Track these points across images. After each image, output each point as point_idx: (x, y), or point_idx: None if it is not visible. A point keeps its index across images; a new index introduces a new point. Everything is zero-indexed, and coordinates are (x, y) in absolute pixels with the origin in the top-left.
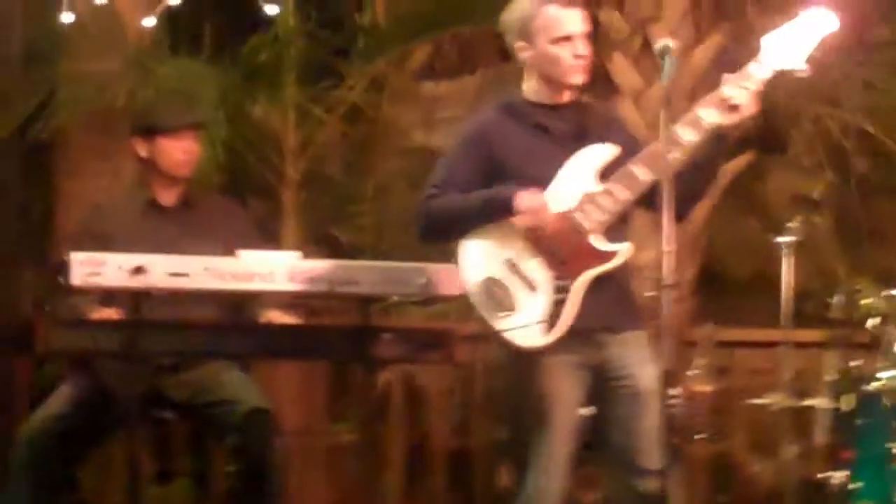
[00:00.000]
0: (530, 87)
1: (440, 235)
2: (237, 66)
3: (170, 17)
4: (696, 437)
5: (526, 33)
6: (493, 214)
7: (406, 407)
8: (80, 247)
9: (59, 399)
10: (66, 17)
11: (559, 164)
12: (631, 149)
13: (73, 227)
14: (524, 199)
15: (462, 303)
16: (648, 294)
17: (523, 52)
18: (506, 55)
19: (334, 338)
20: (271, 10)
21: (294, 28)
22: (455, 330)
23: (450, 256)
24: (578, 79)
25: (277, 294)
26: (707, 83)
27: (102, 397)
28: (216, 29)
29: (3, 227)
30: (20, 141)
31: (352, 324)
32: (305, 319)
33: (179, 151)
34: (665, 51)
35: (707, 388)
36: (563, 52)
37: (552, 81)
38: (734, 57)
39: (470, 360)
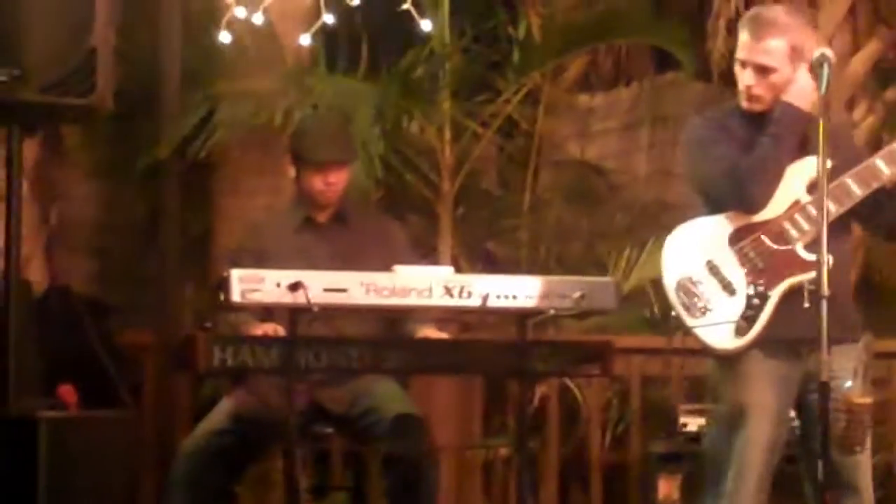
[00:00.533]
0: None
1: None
2: (393, 83)
3: (326, 34)
4: (856, 449)
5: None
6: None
7: (562, 420)
8: (238, 264)
9: (220, 415)
10: (225, 37)
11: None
12: (851, 160)
13: (232, 245)
14: None
15: (617, 316)
16: (806, 306)
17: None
18: (661, 67)
19: (490, 352)
20: (426, 25)
21: (449, 43)
22: (611, 343)
23: (605, 270)
24: (747, 105)
25: (433, 309)
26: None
27: (262, 413)
28: (372, 46)
29: (163, 245)
30: (180, 160)
31: (508, 338)
32: (461, 334)
33: (320, 183)
34: (822, 60)
35: (866, 399)
36: (739, 74)
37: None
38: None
39: (627, 373)
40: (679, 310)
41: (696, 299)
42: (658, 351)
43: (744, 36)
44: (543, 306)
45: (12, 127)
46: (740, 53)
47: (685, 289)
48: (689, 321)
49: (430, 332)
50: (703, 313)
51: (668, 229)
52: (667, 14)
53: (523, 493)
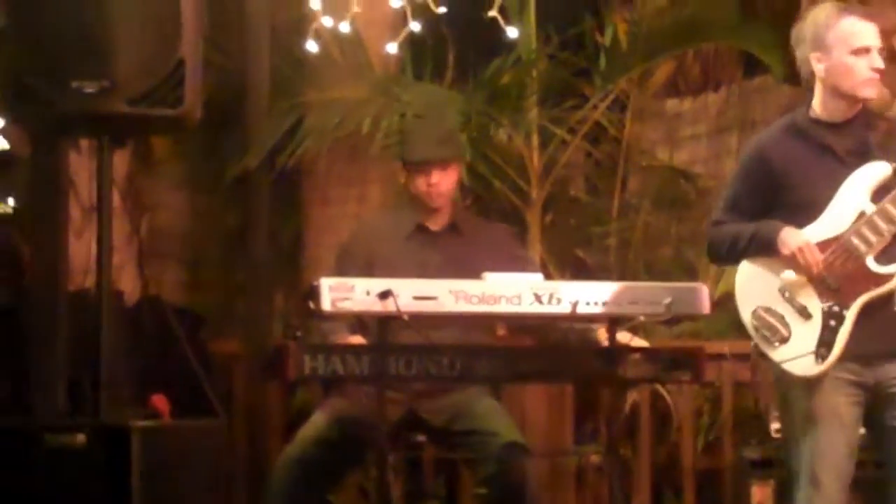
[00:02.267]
0: (818, 103)
1: (723, 262)
2: (480, 90)
3: (413, 42)
4: None
5: (821, 44)
6: (760, 251)
7: (654, 427)
8: (343, 266)
9: (317, 424)
10: (312, 46)
11: (841, 184)
12: None
13: (339, 248)
14: (786, 240)
15: (709, 321)
16: None
17: (818, 63)
18: (749, 71)
19: (581, 359)
20: (513, 32)
21: (536, 50)
22: (703, 348)
23: (695, 275)
24: (870, 92)
25: (524, 316)
26: None
27: (358, 421)
28: (459, 53)
29: (254, 254)
30: (269, 170)
31: (599, 345)
32: (552, 341)
33: (424, 184)
34: None
35: None
36: (860, 64)
37: (843, 95)
38: None
39: (718, 379)
40: (759, 342)
41: (773, 329)
42: (750, 356)
43: (851, 20)
44: (633, 312)
45: (102, 139)
46: (869, 39)
47: (762, 319)
48: (770, 354)
49: (522, 339)
50: (783, 342)
51: None
52: (755, 17)
53: (615, 501)
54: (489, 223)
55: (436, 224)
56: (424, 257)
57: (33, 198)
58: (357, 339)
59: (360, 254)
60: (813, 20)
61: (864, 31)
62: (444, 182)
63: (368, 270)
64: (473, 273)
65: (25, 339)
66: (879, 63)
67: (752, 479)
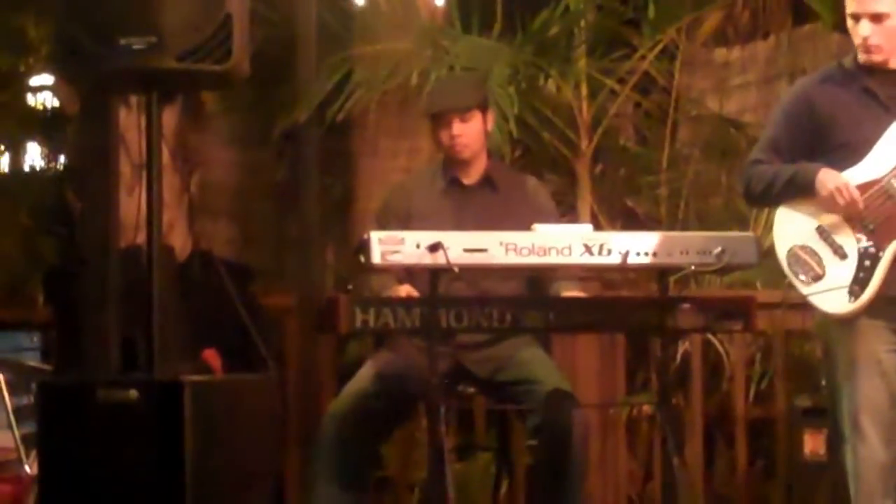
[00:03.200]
0: None
1: (758, 202)
2: (528, 41)
3: None
4: None
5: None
6: (798, 192)
7: (706, 377)
8: (382, 225)
9: (365, 377)
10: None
11: (884, 130)
12: None
13: (378, 206)
14: (825, 180)
15: (761, 270)
16: None
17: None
18: (798, 19)
19: (632, 309)
20: None
21: (583, 0)
22: (754, 298)
23: (746, 225)
24: (865, 58)
25: (573, 267)
26: None
27: (406, 374)
28: (507, 4)
29: (304, 208)
30: (318, 124)
31: (649, 295)
32: (602, 292)
33: (445, 136)
34: None
35: None
36: (854, 29)
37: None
38: None
39: (770, 328)
40: (792, 278)
41: (808, 266)
42: (801, 305)
43: None
44: (684, 263)
45: (150, 95)
46: (850, 6)
47: (797, 256)
48: (803, 289)
49: (573, 290)
50: (817, 279)
51: None
52: None
53: (668, 450)
54: (520, 175)
55: (469, 178)
56: (460, 212)
57: (84, 155)
58: (406, 289)
59: (399, 211)
60: None
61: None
62: (466, 133)
63: (406, 227)
64: (507, 227)
65: (78, 295)
66: (865, 31)
67: (805, 428)
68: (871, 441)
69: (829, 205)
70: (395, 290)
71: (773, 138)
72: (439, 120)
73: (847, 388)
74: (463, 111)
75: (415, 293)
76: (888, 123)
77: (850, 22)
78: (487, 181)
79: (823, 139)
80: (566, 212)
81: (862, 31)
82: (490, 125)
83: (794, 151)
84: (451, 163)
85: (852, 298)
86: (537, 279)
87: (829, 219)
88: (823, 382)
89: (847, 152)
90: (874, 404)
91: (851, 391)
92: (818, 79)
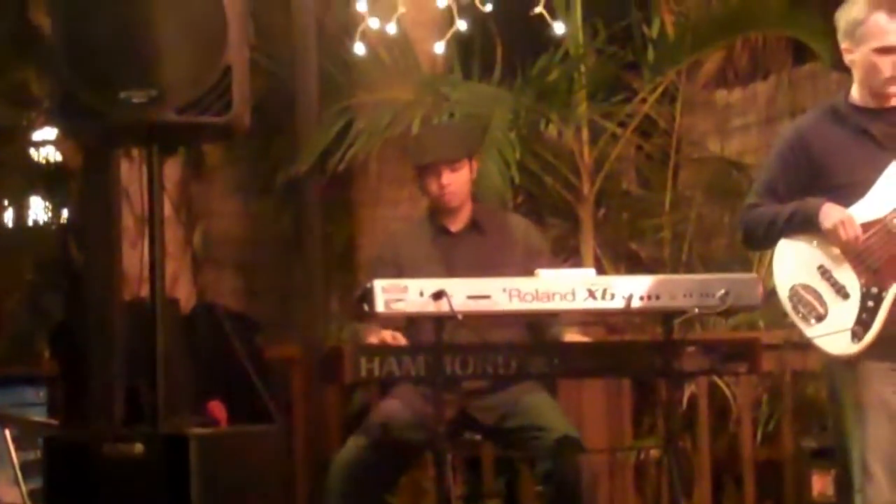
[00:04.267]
0: (855, 91)
1: (760, 245)
2: (528, 87)
3: (460, 41)
4: None
5: (852, 36)
6: (801, 227)
7: (713, 419)
8: (377, 275)
9: (370, 426)
10: (359, 49)
11: (881, 169)
12: None
13: (372, 257)
14: (829, 214)
15: (765, 311)
16: None
17: (848, 55)
18: (798, 59)
19: (637, 353)
20: (559, 28)
21: (583, 45)
22: (759, 339)
23: (750, 266)
24: (894, 90)
25: (577, 312)
26: None
27: (412, 422)
28: (506, 51)
29: (307, 258)
30: (320, 173)
31: (654, 338)
32: (606, 336)
33: (434, 186)
34: None
35: None
36: (884, 63)
37: (872, 90)
38: None
39: (776, 369)
40: (795, 318)
41: (810, 306)
42: (806, 345)
43: (880, 19)
44: (688, 305)
45: (151, 148)
46: (881, 40)
47: (799, 296)
48: (805, 330)
49: (574, 335)
50: (819, 320)
51: None
52: (803, 4)
53: (676, 493)
54: (508, 216)
55: (456, 224)
56: (450, 259)
57: (86, 208)
58: (388, 334)
59: (390, 263)
60: (847, 12)
61: (892, 31)
62: (455, 182)
63: (398, 276)
64: (497, 271)
65: (83, 349)
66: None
67: (813, 469)
68: (881, 484)
69: (831, 238)
70: (375, 333)
71: (769, 181)
72: (429, 170)
73: (855, 431)
74: (452, 162)
75: (400, 338)
76: (886, 162)
77: (876, 57)
78: (474, 225)
79: (820, 180)
80: (569, 256)
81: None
82: (475, 172)
83: (790, 194)
84: (438, 211)
85: (855, 340)
86: (536, 322)
87: (830, 257)
88: (830, 424)
89: (845, 192)
90: (883, 447)
91: (860, 435)
92: (812, 120)
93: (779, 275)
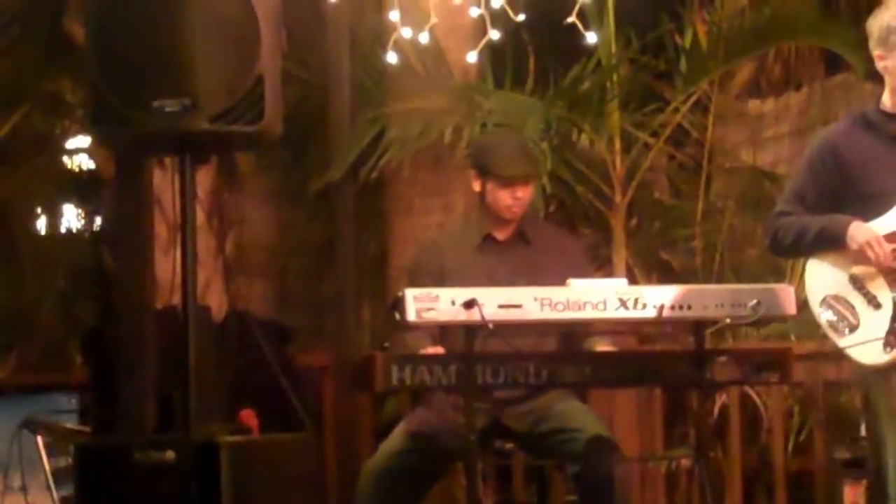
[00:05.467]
0: (887, 98)
1: (786, 254)
2: (561, 96)
3: (493, 50)
4: None
5: (886, 42)
6: (828, 245)
7: (744, 429)
8: (416, 283)
9: (401, 435)
10: (392, 58)
11: None
12: None
13: (410, 263)
14: (856, 234)
15: (797, 321)
16: None
17: (880, 62)
18: (831, 69)
19: (669, 363)
20: (592, 38)
21: (616, 54)
22: (790, 349)
23: (782, 276)
24: None
25: (609, 322)
26: None
27: (442, 431)
28: (539, 60)
29: (339, 267)
30: (352, 181)
31: (686, 348)
32: (638, 346)
33: (508, 198)
34: None
35: None
36: None
37: None
38: None
39: (808, 380)
40: (826, 329)
41: (842, 317)
42: (838, 356)
43: None
44: (719, 315)
45: (184, 156)
46: None
47: (831, 307)
48: (838, 340)
49: (605, 345)
50: (852, 330)
51: None
52: (836, 15)
53: (707, 503)
54: (558, 230)
55: (503, 234)
56: (493, 267)
57: (119, 216)
58: (437, 350)
59: (431, 269)
60: (880, 18)
61: None
62: (527, 196)
63: (440, 284)
64: (541, 282)
65: (115, 356)
66: None
67: (844, 480)
68: None
69: (859, 258)
70: (428, 349)
71: (798, 190)
72: (506, 182)
73: (889, 439)
74: (532, 177)
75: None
76: None
77: None
78: (521, 236)
79: (850, 189)
80: (601, 265)
81: None
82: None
83: (820, 202)
84: (490, 219)
85: (888, 349)
86: (570, 335)
87: (861, 268)
88: (863, 433)
89: (874, 201)
90: None
91: (894, 444)
92: (842, 129)
93: (811, 287)
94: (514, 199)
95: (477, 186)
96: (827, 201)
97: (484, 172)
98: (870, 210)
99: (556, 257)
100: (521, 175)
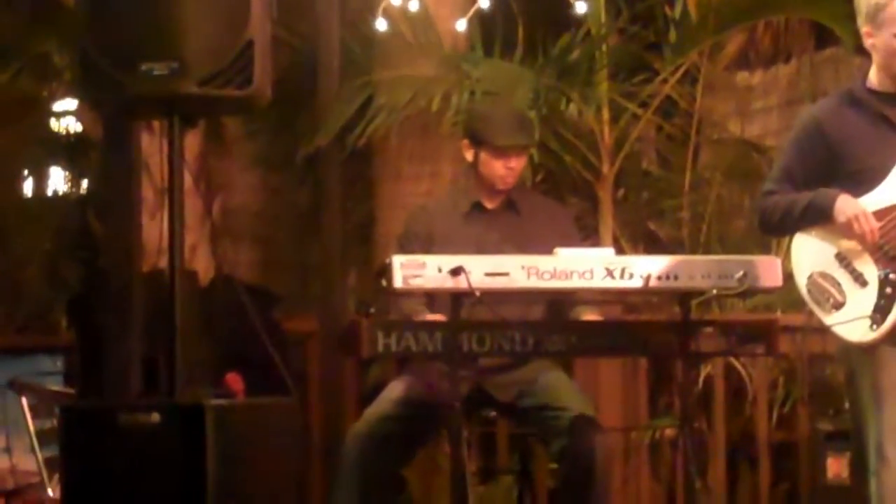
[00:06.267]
0: (873, 75)
1: (775, 232)
2: (550, 66)
3: (482, 19)
4: None
5: (874, 20)
6: (816, 219)
7: (729, 400)
8: (405, 249)
9: (387, 400)
10: (381, 25)
11: None
12: None
13: (400, 230)
14: (843, 209)
15: (783, 294)
16: None
17: (868, 39)
18: (820, 43)
19: (654, 333)
20: (582, 7)
21: (605, 24)
22: (776, 321)
23: (768, 248)
24: None
25: (595, 291)
26: None
27: (428, 398)
28: (528, 29)
29: (326, 232)
30: (340, 148)
31: (672, 319)
32: (624, 316)
33: (502, 168)
34: None
35: None
36: None
37: (891, 74)
38: None
39: (792, 352)
40: (813, 306)
41: (828, 294)
42: (824, 329)
43: None
44: (706, 286)
45: (172, 119)
46: None
47: (816, 284)
48: (824, 318)
49: (592, 314)
50: (837, 307)
51: None
52: None
53: (690, 474)
54: (546, 200)
55: (492, 202)
56: (482, 235)
57: (106, 179)
58: (437, 317)
59: (421, 235)
60: None
61: None
62: (520, 166)
63: (429, 251)
64: (529, 251)
65: (100, 319)
66: None
67: (827, 452)
68: (894, 467)
69: (846, 233)
70: (425, 317)
71: (785, 168)
72: (501, 151)
73: (872, 415)
74: (527, 147)
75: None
76: None
77: (895, 42)
78: (510, 204)
79: (837, 166)
80: (588, 235)
81: None
82: None
83: (807, 180)
84: (481, 188)
85: (874, 326)
86: (557, 304)
87: (847, 245)
88: (847, 406)
89: (862, 178)
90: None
91: (877, 419)
92: (828, 105)
93: (797, 264)
94: (507, 170)
95: (469, 156)
96: (815, 179)
97: (477, 142)
98: (857, 187)
99: (545, 227)
100: (517, 145)
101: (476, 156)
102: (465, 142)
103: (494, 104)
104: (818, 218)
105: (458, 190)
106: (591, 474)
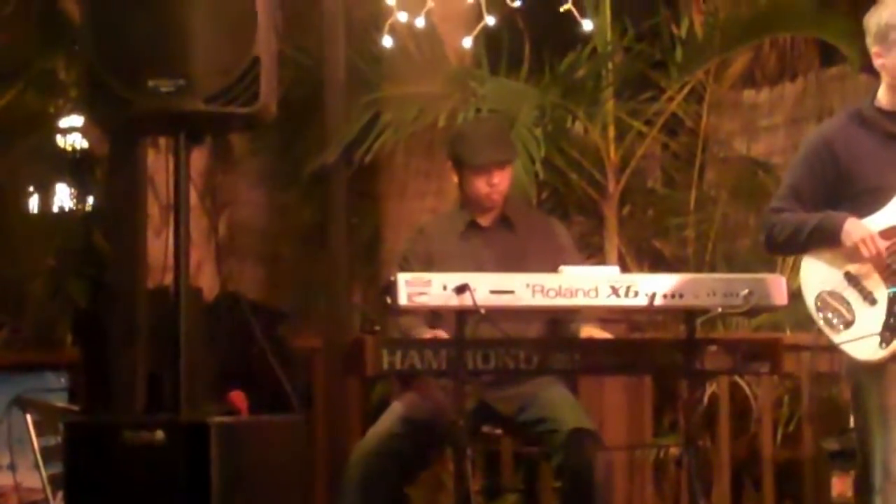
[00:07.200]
0: (883, 94)
1: (781, 251)
2: (556, 83)
3: (488, 36)
4: None
5: (885, 40)
6: (823, 242)
7: (733, 418)
8: (406, 270)
9: (391, 418)
10: (387, 42)
11: None
12: None
13: (400, 250)
14: (851, 231)
15: (790, 312)
16: None
17: (878, 59)
18: (826, 61)
19: (659, 351)
20: (588, 25)
21: (611, 42)
22: (781, 340)
23: (774, 266)
24: None
25: (600, 309)
26: None
27: (432, 415)
28: (534, 47)
29: (332, 249)
30: (346, 165)
31: (676, 337)
32: (629, 333)
33: (484, 185)
34: None
35: None
36: None
37: None
38: None
39: (797, 370)
40: (821, 325)
41: (837, 313)
42: (829, 347)
43: None
44: (711, 304)
45: (178, 137)
46: None
47: (826, 303)
48: (833, 336)
49: (595, 331)
50: (847, 326)
51: None
52: (831, 6)
53: (695, 492)
54: (542, 215)
55: (486, 220)
56: (479, 253)
57: (112, 196)
58: (437, 333)
59: (419, 255)
60: (878, 16)
61: None
62: (503, 182)
63: (428, 271)
64: (526, 266)
65: (105, 336)
66: None
67: (832, 471)
68: None
69: (854, 255)
70: (425, 333)
71: (793, 186)
72: (480, 170)
73: (878, 434)
74: (506, 163)
75: (444, 336)
76: None
77: None
78: (504, 221)
79: (845, 185)
80: (593, 253)
81: None
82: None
83: (815, 198)
84: (472, 206)
85: (883, 345)
86: (556, 320)
87: (856, 264)
88: (852, 425)
89: (870, 198)
90: None
91: (883, 437)
92: (837, 125)
93: (806, 283)
94: (490, 187)
95: (455, 176)
96: (822, 197)
97: (459, 163)
98: (865, 206)
99: (541, 242)
100: (493, 161)
101: (460, 176)
102: (450, 164)
103: (472, 123)
104: (826, 241)
105: (455, 209)
106: (591, 490)
